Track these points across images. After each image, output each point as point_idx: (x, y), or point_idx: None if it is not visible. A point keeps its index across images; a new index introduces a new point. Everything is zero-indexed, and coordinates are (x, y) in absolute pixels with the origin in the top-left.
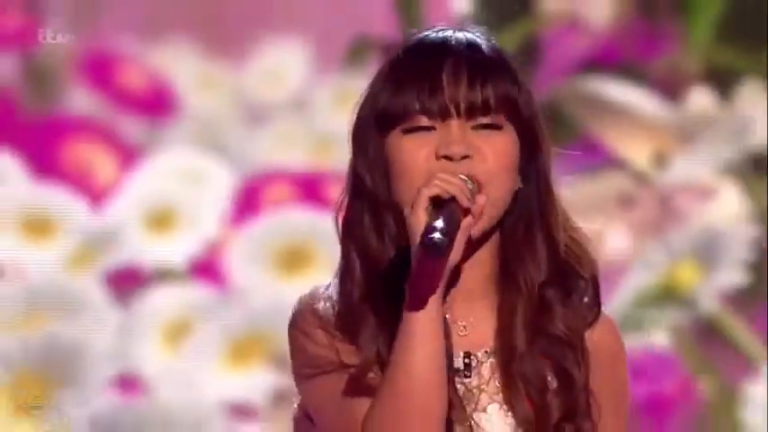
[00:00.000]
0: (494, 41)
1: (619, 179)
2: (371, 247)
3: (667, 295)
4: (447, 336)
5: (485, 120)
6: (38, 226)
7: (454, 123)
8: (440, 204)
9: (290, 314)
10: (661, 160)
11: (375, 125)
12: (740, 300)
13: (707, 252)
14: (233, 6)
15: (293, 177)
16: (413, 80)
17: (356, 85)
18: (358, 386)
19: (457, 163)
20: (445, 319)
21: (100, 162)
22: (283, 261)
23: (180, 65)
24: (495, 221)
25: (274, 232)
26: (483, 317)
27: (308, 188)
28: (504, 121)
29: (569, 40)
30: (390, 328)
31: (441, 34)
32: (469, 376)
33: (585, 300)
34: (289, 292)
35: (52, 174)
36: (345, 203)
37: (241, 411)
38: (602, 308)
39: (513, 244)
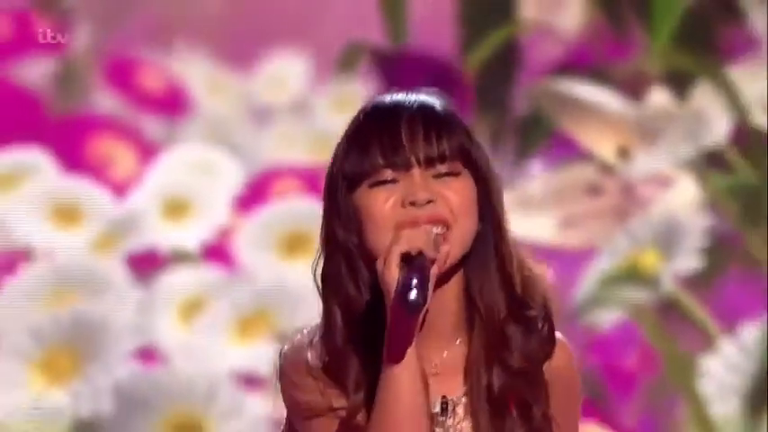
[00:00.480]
0: (445, 100)
1: (587, 170)
2: (349, 295)
3: (631, 277)
4: (425, 383)
5: (443, 168)
6: (66, 214)
7: (416, 173)
8: (409, 260)
9: (285, 349)
10: (624, 154)
11: (344, 183)
12: (696, 281)
13: (666, 239)
14: (242, 21)
15: (296, 171)
16: (375, 139)
17: (349, 89)
18: (347, 429)
19: (422, 208)
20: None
21: (121, 156)
22: (286, 245)
23: (194, 71)
24: (459, 260)
25: (278, 219)
26: (453, 356)
27: (310, 181)
28: (461, 168)
29: (544, 44)
30: (374, 370)
31: (395, 97)
32: (444, 414)
33: (542, 332)
34: (291, 272)
35: (79, 167)
36: (322, 258)
37: (248, 380)
38: (557, 335)
39: (474, 285)
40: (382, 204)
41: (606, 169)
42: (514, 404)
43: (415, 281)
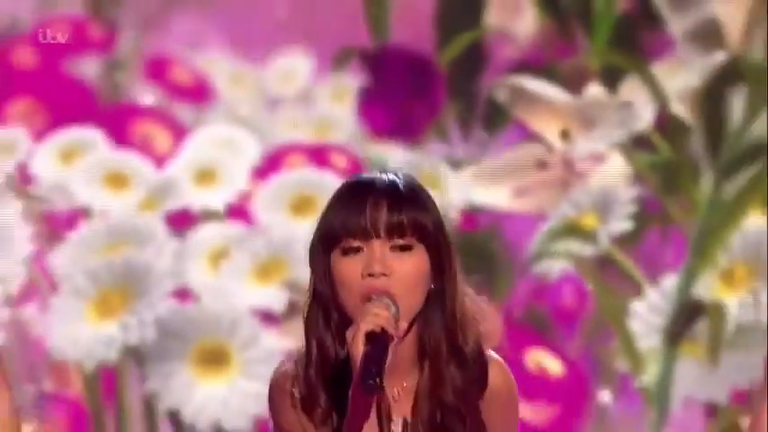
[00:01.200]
0: (412, 180)
1: (536, 149)
2: (323, 338)
3: (573, 235)
4: (388, 407)
5: (400, 241)
6: (116, 180)
7: (376, 243)
8: (373, 337)
9: (275, 375)
10: (566, 136)
11: (320, 246)
12: (626, 239)
13: (602, 205)
14: (256, 26)
15: (302, 148)
16: (346, 211)
17: (344, 83)
18: None
19: (378, 278)
20: (384, 393)
21: (159, 135)
22: (295, 206)
23: (217, 66)
24: (411, 320)
25: (288, 186)
26: (410, 387)
27: (312, 155)
28: (414, 243)
29: (504, 46)
30: (340, 409)
31: (369, 176)
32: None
33: (474, 372)
34: (299, 229)
35: (126, 143)
36: (308, 307)
37: (264, 316)
38: (490, 358)
39: (425, 335)
40: (349, 272)
41: (552, 149)
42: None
43: (376, 368)
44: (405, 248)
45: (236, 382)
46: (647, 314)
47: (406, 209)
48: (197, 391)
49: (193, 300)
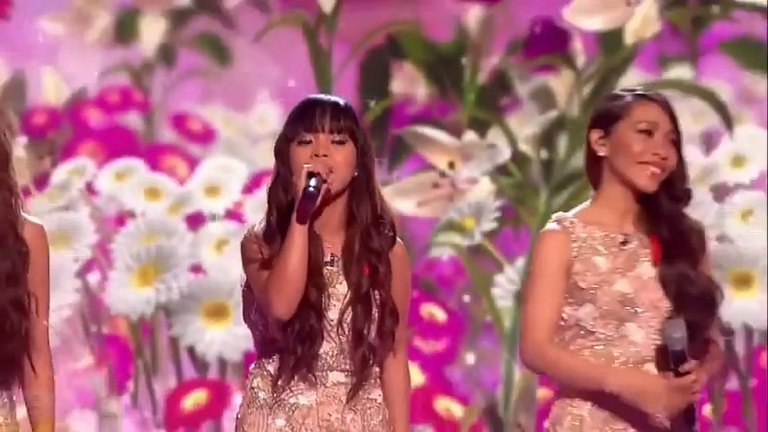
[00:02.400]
0: (347, 100)
1: (431, 174)
2: (279, 199)
3: (457, 232)
4: (320, 244)
5: (338, 137)
6: (152, 193)
7: (321, 137)
8: (311, 175)
9: (245, 233)
10: (452, 166)
11: (285, 139)
12: (492, 235)
13: (477, 212)
14: (241, 86)
15: None
16: (302, 115)
17: None
18: (267, 265)
19: (321, 158)
20: (318, 236)
21: (180, 164)
22: None
23: (215, 115)
24: (341, 190)
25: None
26: (339, 238)
27: None
28: (347, 139)
29: (407, 107)
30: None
31: (321, 95)
32: (332, 266)
33: (388, 234)
34: None
35: (158, 169)
36: (271, 184)
37: None
38: (398, 239)
39: (353, 203)
40: (302, 155)
41: (443, 174)
42: (368, 267)
43: (312, 181)
44: (340, 143)
45: (231, 329)
46: (504, 284)
47: (343, 117)
48: (206, 334)
49: (204, 273)
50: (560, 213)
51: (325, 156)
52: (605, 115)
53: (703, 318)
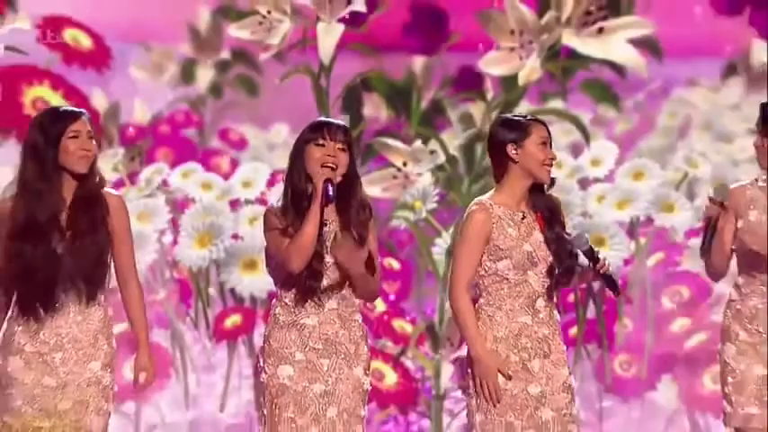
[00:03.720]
0: (346, 123)
1: (391, 170)
2: (295, 184)
3: (409, 209)
4: (323, 219)
5: (341, 145)
6: (207, 186)
7: (331, 144)
8: (327, 180)
9: (268, 206)
10: (406, 164)
11: (304, 141)
12: (433, 212)
13: (423, 196)
14: (264, 112)
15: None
16: (321, 128)
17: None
18: (285, 234)
19: (332, 157)
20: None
21: (225, 164)
22: None
23: (248, 132)
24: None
25: (281, 188)
26: (333, 214)
27: None
28: (346, 148)
29: (374, 124)
30: (300, 215)
31: (331, 119)
32: (327, 227)
33: (367, 214)
34: None
35: (210, 169)
36: (288, 173)
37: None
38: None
39: (347, 190)
40: (317, 154)
41: (398, 170)
42: (356, 233)
43: (330, 189)
44: (342, 150)
45: (259, 276)
46: (440, 244)
47: (346, 134)
48: (242, 280)
49: (241, 239)
50: (480, 198)
51: (334, 156)
52: (517, 134)
53: (573, 261)
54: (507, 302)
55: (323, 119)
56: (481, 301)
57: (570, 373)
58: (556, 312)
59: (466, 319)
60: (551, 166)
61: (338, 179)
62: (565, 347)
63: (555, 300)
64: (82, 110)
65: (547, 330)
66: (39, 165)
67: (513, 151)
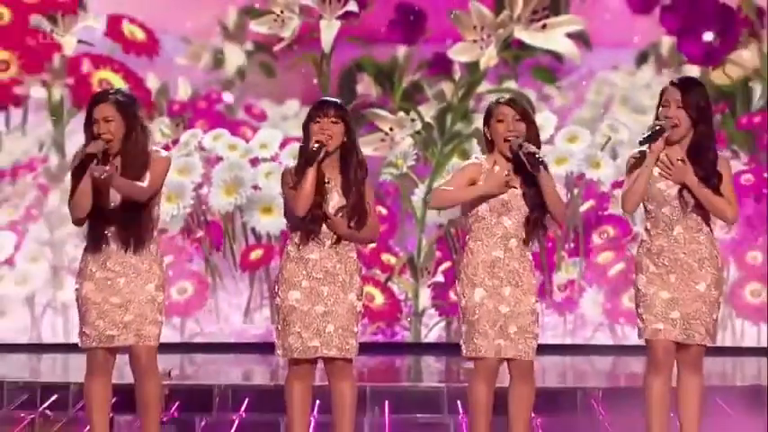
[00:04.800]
0: (340, 100)
1: (380, 134)
2: (306, 149)
3: (393, 167)
4: (323, 174)
5: (333, 119)
6: (232, 147)
7: (325, 120)
8: (317, 143)
9: (286, 167)
10: (392, 130)
11: (308, 120)
12: (412, 168)
13: (404, 156)
14: (279, 90)
15: (295, 138)
16: (317, 108)
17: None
18: (295, 189)
19: (326, 130)
20: (322, 170)
21: (247, 132)
22: (293, 156)
23: (266, 106)
24: (336, 147)
25: (291, 151)
26: (335, 171)
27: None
28: (339, 120)
29: (367, 99)
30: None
31: (326, 98)
32: (328, 183)
33: (364, 171)
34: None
35: (236, 134)
36: (301, 143)
37: None
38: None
39: (345, 153)
40: (315, 128)
41: (386, 134)
42: (355, 190)
43: (316, 146)
44: (335, 122)
45: (275, 218)
46: (418, 193)
47: (337, 109)
48: (261, 221)
49: (260, 190)
50: (478, 155)
51: (327, 129)
52: (487, 118)
53: (543, 211)
54: (485, 238)
55: (321, 99)
56: (468, 237)
57: (537, 301)
58: (529, 252)
59: (451, 195)
60: (509, 137)
61: (332, 145)
62: (535, 281)
63: (533, 243)
64: (107, 94)
65: (518, 264)
66: (87, 138)
67: (487, 131)
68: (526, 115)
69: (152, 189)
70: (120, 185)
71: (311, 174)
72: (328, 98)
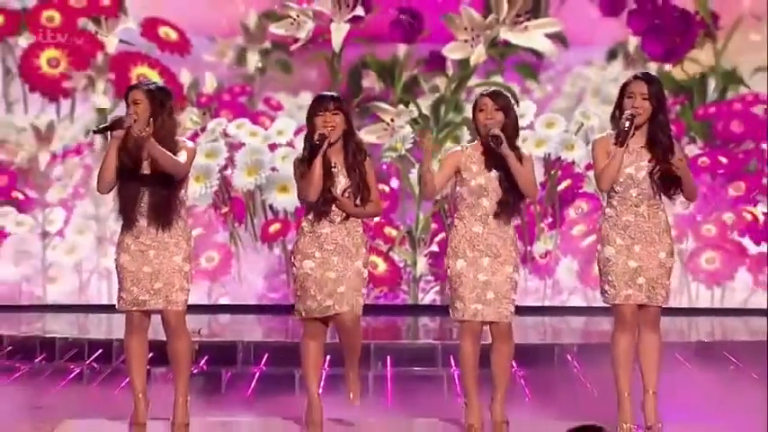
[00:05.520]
0: (338, 94)
1: (382, 124)
2: (308, 143)
3: (394, 150)
4: (329, 159)
5: (333, 111)
6: (254, 134)
7: (327, 113)
8: (321, 135)
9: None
10: (393, 121)
11: (310, 114)
12: (409, 150)
13: (403, 140)
14: (295, 84)
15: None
16: (318, 102)
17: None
18: (303, 175)
19: (329, 122)
20: (328, 156)
21: (266, 120)
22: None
23: (283, 98)
24: (339, 135)
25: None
26: (339, 156)
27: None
28: (339, 112)
29: (371, 92)
30: (312, 163)
31: (325, 92)
32: (334, 168)
33: (364, 152)
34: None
35: (256, 123)
36: (306, 134)
37: None
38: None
39: (346, 140)
40: (318, 121)
41: (387, 124)
42: (358, 171)
43: (318, 138)
44: (335, 114)
45: (290, 197)
46: (414, 173)
47: (336, 102)
48: (278, 198)
49: (277, 171)
50: (464, 143)
51: (330, 121)
52: (473, 109)
53: (516, 193)
54: (467, 216)
55: (320, 94)
56: (455, 215)
57: (515, 271)
58: (509, 228)
59: (431, 180)
60: (488, 125)
61: (334, 135)
62: (515, 254)
63: (512, 219)
64: (141, 83)
65: (496, 239)
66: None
67: (473, 120)
68: (504, 105)
69: (185, 168)
70: (158, 155)
71: (318, 164)
72: (326, 93)
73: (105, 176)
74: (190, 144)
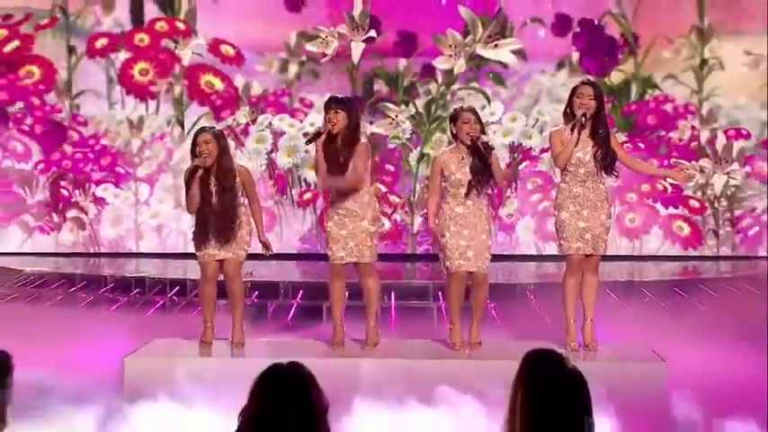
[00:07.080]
0: (344, 95)
1: (389, 119)
2: (322, 139)
3: (397, 139)
4: (337, 146)
5: (335, 110)
6: (291, 125)
7: (330, 112)
8: (321, 128)
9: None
10: (396, 116)
11: (324, 112)
12: (410, 140)
13: (404, 132)
14: (322, 88)
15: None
16: (326, 105)
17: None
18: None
19: (331, 119)
20: (336, 145)
21: (301, 115)
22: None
23: (314, 99)
24: (342, 128)
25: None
26: (349, 152)
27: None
28: (341, 110)
29: (380, 94)
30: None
31: (333, 94)
32: (343, 164)
33: (360, 143)
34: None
35: (294, 117)
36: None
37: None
38: (363, 140)
39: (344, 134)
40: (325, 119)
41: (392, 119)
42: (354, 155)
43: (313, 134)
44: (337, 112)
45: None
46: (413, 156)
47: (338, 102)
48: (310, 174)
49: (308, 153)
50: (444, 148)
51: (332, 118)
52: (453, 118)
53: (486, 181)
54: (450, 202)
55: (329, 97)
56: (441, 201)
57: (488, 238)
58: (485, 208)
59: (435, 204)
60: (471, 134)
61: (336, 129)
62: (490, 228)
63: (485, 200)
64: (206, 128)
65: (474, 217)
66: (192, 156)
67: (453, 128)
68: (479, 118)
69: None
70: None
71: (320, 156)
72: (333, 95)
73: (192, 203)
74: (243, 170)
